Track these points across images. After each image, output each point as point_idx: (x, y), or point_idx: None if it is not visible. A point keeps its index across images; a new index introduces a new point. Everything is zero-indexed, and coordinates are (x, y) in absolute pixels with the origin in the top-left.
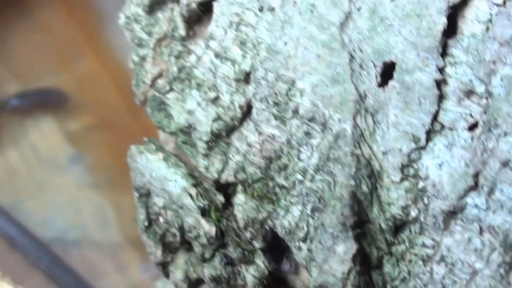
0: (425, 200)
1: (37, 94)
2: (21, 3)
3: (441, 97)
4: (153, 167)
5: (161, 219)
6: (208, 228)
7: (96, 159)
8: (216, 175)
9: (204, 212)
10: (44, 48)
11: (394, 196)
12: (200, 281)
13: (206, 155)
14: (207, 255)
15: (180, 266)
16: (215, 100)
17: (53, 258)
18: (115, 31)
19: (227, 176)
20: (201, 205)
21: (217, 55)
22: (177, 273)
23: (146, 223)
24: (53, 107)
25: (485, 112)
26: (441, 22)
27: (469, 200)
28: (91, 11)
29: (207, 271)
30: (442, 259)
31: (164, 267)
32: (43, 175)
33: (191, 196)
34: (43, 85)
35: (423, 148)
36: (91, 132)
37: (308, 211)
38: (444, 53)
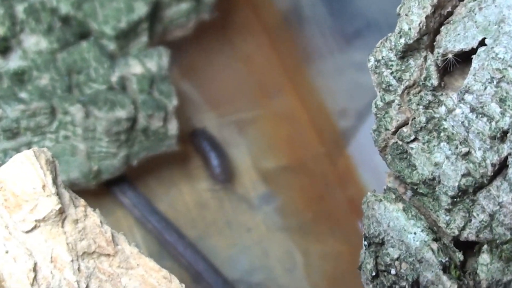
0: None
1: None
2: (224, 32)
3: None
4: (392, 216)
5: (392, 271)
6: (449, 285)
7: (288, 201)
8: (456, 232)
9: (446, 268)
10: (243, 80)
11: None
12: None
13: (448, 210)
14: None
15: None
16: (465, 155)
17: None
18: (318, 72)
19: (468, 234)
20: (443, 260)
21: (472, 110)
22: None
23: (373, 273)
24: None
25: None
26: None
27: None
28: (295, 48)
29: None
30: None
31: None
32: (233, 212)
33: (432, 250)
34: (239, 117)
35: None
36: (285, 173)
37: None
38: None
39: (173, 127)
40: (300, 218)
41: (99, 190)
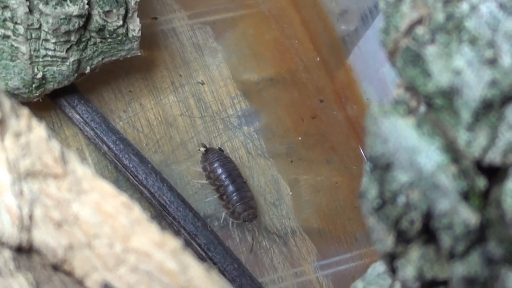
0: None
1: None
2: None
3: None
4: (401, 133)
5: (400, 199)
6: (468, 215)
7: (274, 121)
8: (479, 153)
9: (465, 196)
10: None
11: None
12: (435, 282)
13: (470, 127)
14: (459, 249)
15: (413, 260)
16: (491, 61)
17: None
18: None
19: (494, 156)
20: (463, 187)
21: (501, 7)
22: (409, 269)
23: (378, 202)
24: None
25: None
26: None
27: None
28: None
29: (459, 269)
30: None
31: (391, 260)
32: (207, 132)
33: (450, 174)
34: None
35: None
36: (271, 86)
37: None
38: None
39: (135, 27)
40: (288, 142)
41: (43, 103)
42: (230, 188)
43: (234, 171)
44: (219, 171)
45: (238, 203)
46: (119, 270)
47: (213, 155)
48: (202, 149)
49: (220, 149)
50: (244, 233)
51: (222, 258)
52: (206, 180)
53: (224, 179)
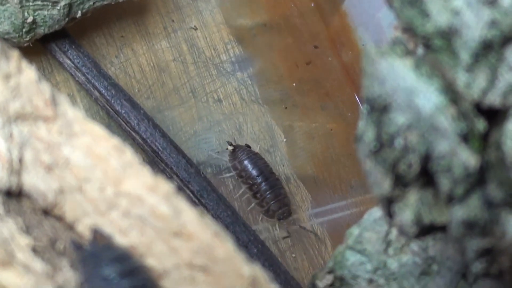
0: None
1: None
2: None
3: None
4: (399, 74)
5: (398, 142)
6: (467, 157)
7: (267, 67)
8: (478, 95)
9: (465, 138)
10: None
11: None
12: (433, 227)
13: (469, 69)
14: (458, 193)
15: (411, 205)
16: (491, 1)
17: None
18: None
19: (494, 97)
20: (462, 128)
21: None
22: (406, 213)
23: (375, 145)
24: None
25: None
26: None
27: None
28: None
29: (458, 212)
30: None
31: (388, 205)
32: (200, 78)
33: (449, 115)
34: None
35: None
36: (265, 32)
37: None
38: None
39: None
40: (282, 88)
41: (33, 48)
42: (264, 186)
43: (266, 168)
44: (251, 169)
45: (273, 201)
46: (111, 214)
47: (242, 153)
48: (230, 147)
49: (247, 146)
50: (237, 181)
51: (215, 205)
52: (237, 178)
53: (256, 177)
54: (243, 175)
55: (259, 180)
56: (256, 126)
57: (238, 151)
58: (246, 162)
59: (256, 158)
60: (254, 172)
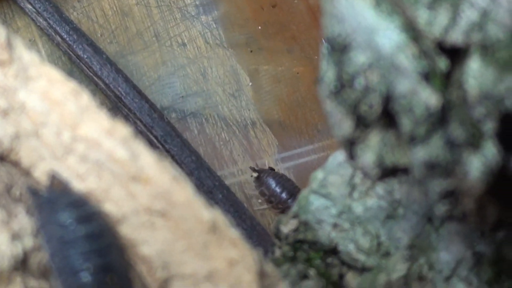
0: None
1: None
2: None
3: None
4: (359, 12)
5: (358, 82)
6: (428, 96)
7: (232, 9)
8: (440, 33)
9: (426, 77)
10: None
11: None
12: (396, 169)
13: (430, 5)
14: (419, 133)
15: (373, 146)
16: None
17: None
18: None
19: (456, 35)
20: (423, 67)
21: None
22: (368, 155)
23: (336, 85)
24: None
25: None
26: None
27: None
28: None
29: (420, 153)
30: None
31: (350, 146)
32: (164, 22)
33: (409, 53)
34: None
35: None
36: None
37: None
38: None
39: None
40: (248, 31)
41: None
42: None
43: (295, 189)
44: (280, 193)
45: None
46: (68, 159)
47: (268, 178)
48: (254, 174)
49: (271, 168)
50: (202, 125)
51: (180, 150)
52: (267, 204)
53: (288, 202)
54: (272, 200)
55: (290, 203)
56: (221, 70)
57: (263, 176)
58: (273, 186)
59: (283, 181)
60: (284, 196)
